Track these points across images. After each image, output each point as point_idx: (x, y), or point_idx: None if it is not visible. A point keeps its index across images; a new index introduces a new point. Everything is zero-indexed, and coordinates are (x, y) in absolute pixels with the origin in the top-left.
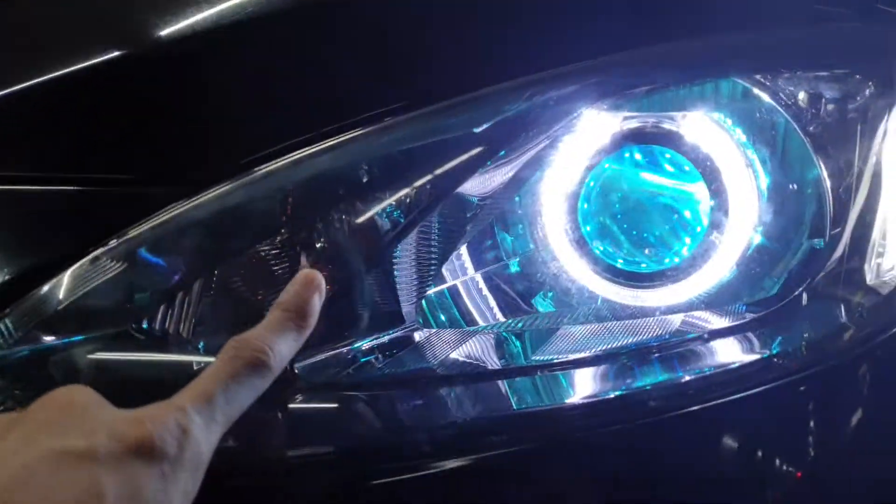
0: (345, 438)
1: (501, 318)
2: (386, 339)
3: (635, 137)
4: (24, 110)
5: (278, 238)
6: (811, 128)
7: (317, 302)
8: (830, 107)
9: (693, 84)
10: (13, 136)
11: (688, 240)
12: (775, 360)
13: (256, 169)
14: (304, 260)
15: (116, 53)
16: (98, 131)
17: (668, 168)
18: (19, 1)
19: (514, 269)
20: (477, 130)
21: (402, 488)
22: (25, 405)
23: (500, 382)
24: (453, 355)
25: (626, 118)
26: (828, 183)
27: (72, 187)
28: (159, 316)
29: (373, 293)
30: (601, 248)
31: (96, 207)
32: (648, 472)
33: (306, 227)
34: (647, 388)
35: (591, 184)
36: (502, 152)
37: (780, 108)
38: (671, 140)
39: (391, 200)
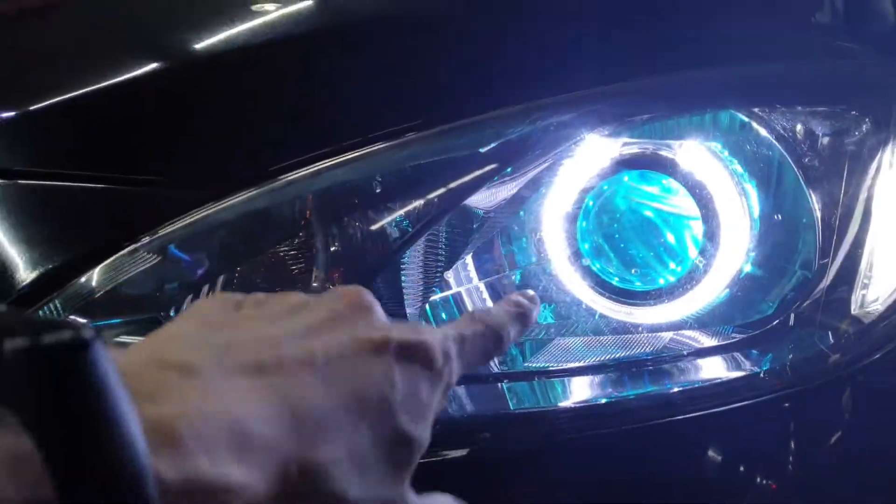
0: None
1: None
2: None
3: (633, 163)
4: (73, 117)
5: (296, 241)
6: (805, 160)
7: (536, 313)
8: (825, 141)
9: (692, 114)
10: (63, 139)
11: (680, 262)
12: (761, 377)
13: (280, 177)
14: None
15: (156, 66)
16: (138, 138)
17: (664, 193)
18: (66, 17)
19: (516, 280)
20: (482, 150)
21: None
22: None
23: (498, 384)
24: None
25: (625, 144)
26: (819, 215)
27: (113, 186)
28: (185, 305)
29: (381, 296)
30: (598, 266)
31: (133, 206)
32: (635, 475)
33: (322, 231)
34: (636, 396)
35: (590, 204)
36: (508, 169)
37: (775, 142)
38: (667, 167)
39: (401, 211)
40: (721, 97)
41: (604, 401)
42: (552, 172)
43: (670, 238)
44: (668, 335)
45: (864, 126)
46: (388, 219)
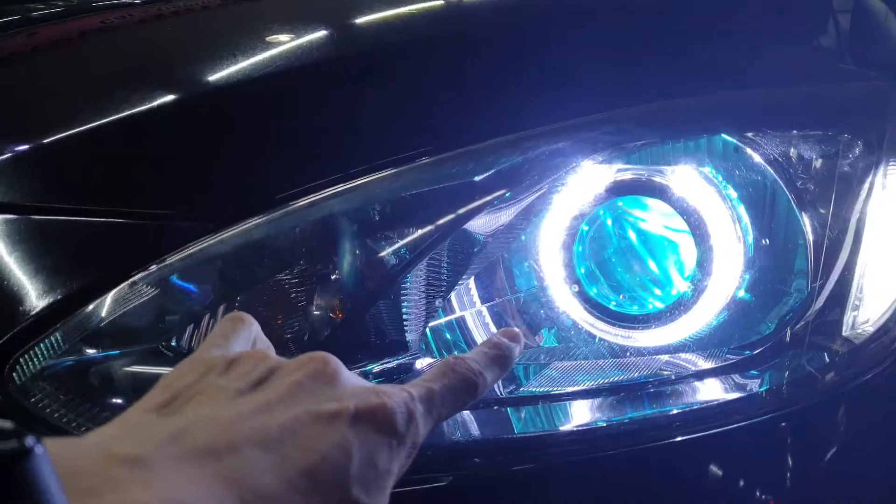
0: None
1: None
2: (394, 363)
3: (628, 189)
4: (80, 152)
5: (296, 269)
6: (798, 184)
7: (517, 353)
8: (818, 164)
9: (685, 140)
10: (70, 173)
11: (675, 286)
12: (758, 398)
13: (279, 207)
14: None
15: (163, 100)
16: (143, 172)
17: (659, 218)
18: (72, 53)
19: (518, 305)
20: (477, 179)
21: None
22: (68, 409)
23: (498, 408)
24: None
25: (619, 170)
26: (811, 238)
27: (117, 220)
28: (187, 335)
29: (382, 321)
30: (595, 290)
31: (137, 238)
32: (636, 497)
33: (322, 260)
34: (636, 419)
35: (586, 229)
36: (507, 195)
37: (767, 166)
38: (661, 192)
39: (399, 238)
40: (714, 122)
41: (604, 424)
42: (548, 199)
43: (665, 262)
44: (664, 358)
45: (856, 149)
46: (387, 246)
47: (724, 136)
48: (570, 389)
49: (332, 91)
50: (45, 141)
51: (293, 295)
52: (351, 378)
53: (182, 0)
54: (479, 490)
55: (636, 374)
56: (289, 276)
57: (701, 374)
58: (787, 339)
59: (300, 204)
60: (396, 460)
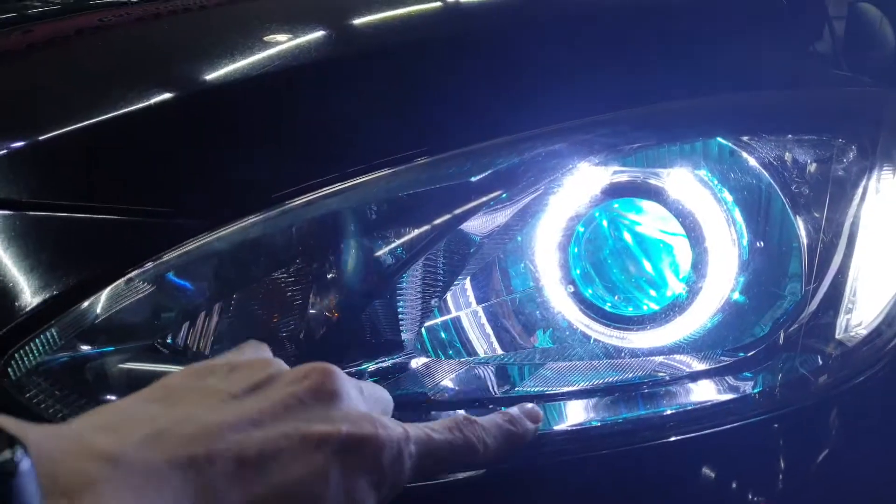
0: None
1: (500, 351)
2: (389, 363)
3: (623, 191)
4: (77, 149)
5: (292, 268)
6: (793, 188)
7: (531, 434)
8: (812, 168)
9: (681, 143)
10: (67, 170)
11: (670, 288)
12: (751, 399)
13: (277, 206)
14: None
15: (161, 98)
16: (140, 169)
17: (654, 220)
18: (70, 51)
19: (514, 305)
20: (473, 179)
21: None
22: (63, 405)
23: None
24: (448, 382)
25: (615, 172)
26: (805, 241)
27: (114, 217)
28: (182, 333)
29: (377, 321)
30: (590, 291)
31: (134, 235)
32: (629, 496)
33: (318, 259)
34: (629, 419)
35: (582, 231)
36: (504, 195)
37: (762, 170)
38: (657, 194)
39: (395, 238)
40: (710, 126)
41: (597, 423)
42: (544, 200)
43: (660, 264)
44: (659, 359)
45: (851, 153)
46: (383, 245)
47: (719, 139)
48: (564, 389)
49: (329, 91)
50: (42, 137)
51: (289, 293)
52: (350, 398)
53: None
54: (471, 488)
55: (630, 375)
56: (285, 275)
57: (695, 376)
58: (781, 341)
59: (297, 202)
60: (373, 496)
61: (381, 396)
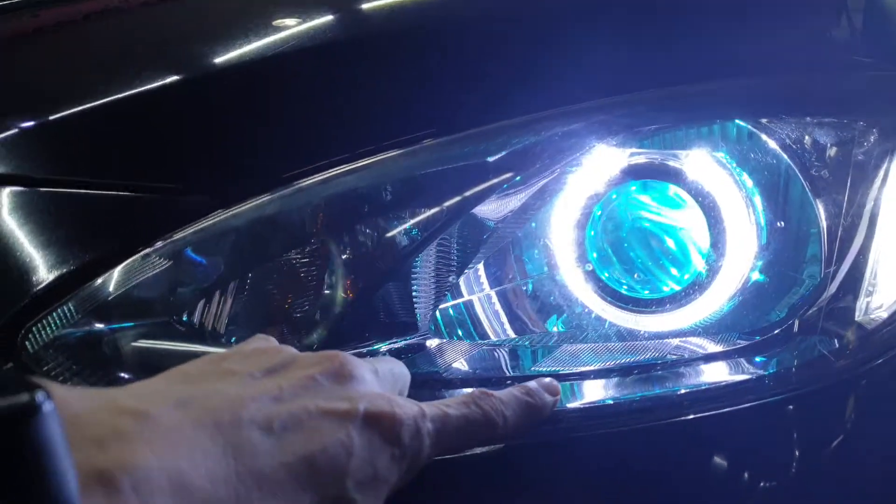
0: None
1: (512, 335)
2: (402, 344)
3: (641, 172)
4: (91, 126)
5: (308, 248)
6: (812, 170)
7: (550, 408)
8: (832, 151)
9: (699, 125)
10: (82, 146)
11: (687, 271)
12: (766, 381)
13: (292, 184)
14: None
15: (173, 76)
16: (154, 146)
17: (671, 202)
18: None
19: (527, 289)
20: (490, 160)
21: None
22: (80, 380)
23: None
24: (461, 363)
25: (632, 154)
26: (825, 224)
27: (128, 193)
28: (197, 311)
29: (391, 301)
30: (606, 275)
31: (149, 212)
32: (640, 473)
33: (333, 238)
34: (643, 398)
35: (598, 213)
36: (518, 178)
37: (782, 152)
38: (675, 176)
39: (410, 218)
40: (729, 108)
41: (611, 402)
42: (560, 182)
43: (677, 247)
44: (674, 342)
45: (872, 136)
46: (398, 226)
47: (738, 121)
48: (578, 370)
49: (341, 70)
50: (56, 116)
51: (304, 273)
52: (365, 380)
53: None
54: (484, 463)
55: (645, 357)
56: (300, 255)
57: (710, 357)
58: (799, 324)
59: (314, 180)
60: (395, 470)
61: (397, 372)
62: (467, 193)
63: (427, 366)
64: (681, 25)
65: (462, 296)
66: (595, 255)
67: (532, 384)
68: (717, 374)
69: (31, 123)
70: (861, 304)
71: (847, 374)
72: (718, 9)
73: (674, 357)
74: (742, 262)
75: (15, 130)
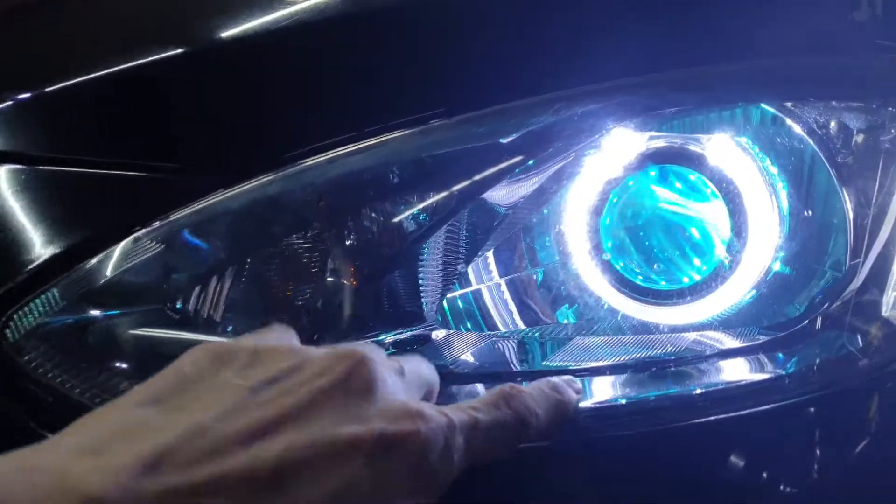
0: None
1: (522, 326)
2: (408, 334)
3: (660, 157)
4: (86, 101)
5: (310, 232)
6: (839, 158)
7: (573, 406)
8: (860, 137)
9: (722, 108)
10: (79, 124)
11: (706, 261)
12: (786, 380)
13: (294, 163)
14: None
15: (173, 52)
16: (150, 123)
17: (691, 189)
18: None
19: (538, 278)
20: (504, 141)
21: None
22: (62, 370)
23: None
24: (469, 356)
25: (651, 137)
26: (851, 214)
27: (127, 172)
28: (193, 297)
29: (397, 290)
30: (621, 264)
31: (147, 191)
32: (656, 477)
33: (337, 223)
34: (658, 397)
35: (615, 200)
36: (531, 162)
37: (808, 138)
38: (695, 161)
39: (418, 202)
40: (752, 91)
41: (624, 401)
42: (576, 166)
43: (696, 236)
44: (691, 336)
45: None
46: (405, 210)
47: (762, 105)
48: (590, 365)
49: (349, 46)
50: (52, 89)
51: (305, 258)
52: (386, 386)
53: None
54: (486, 468)
55: (660, 352)
56: (301, 239)
57: (729, 353)
58: (823, 319)
59: (318, 160)
60: (420, 497)
61: (425, 374)
62: (478, 177)
63: (434, 358)
64: (704, 5)
65: (470, 285)
66: (610, 244)
67: (555, 379)
68: (735, 372)
69: (25, 97)
70: (888, 298)
71: (872, 374)
72: None
73: (690, 353)
74: (764, 253)
75: (9, 103)
